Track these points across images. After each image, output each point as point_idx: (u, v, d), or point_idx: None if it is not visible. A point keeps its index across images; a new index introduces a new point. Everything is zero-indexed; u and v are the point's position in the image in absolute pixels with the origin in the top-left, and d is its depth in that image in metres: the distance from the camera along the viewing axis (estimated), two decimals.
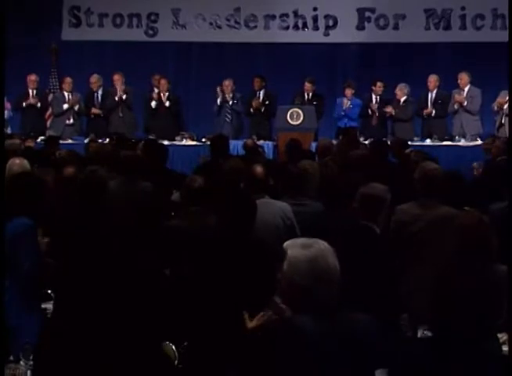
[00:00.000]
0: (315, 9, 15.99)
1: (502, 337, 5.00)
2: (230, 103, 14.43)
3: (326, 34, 16.03)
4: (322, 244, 3.20)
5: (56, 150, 11.13)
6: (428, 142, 13.74)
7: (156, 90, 14.81)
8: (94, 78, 14.86)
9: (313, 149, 13.41)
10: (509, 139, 11.59)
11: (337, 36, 15.96)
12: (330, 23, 15.98)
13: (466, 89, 14.02)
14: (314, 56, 15.97)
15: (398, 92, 14.27)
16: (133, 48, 16.00)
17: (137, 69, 15.59)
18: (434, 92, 14.14)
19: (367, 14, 15.88)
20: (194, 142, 14.09)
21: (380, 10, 15.83)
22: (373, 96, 14.43)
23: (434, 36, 15.72)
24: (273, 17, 16.07)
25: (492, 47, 14.84)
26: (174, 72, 15.76)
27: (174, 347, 4.64)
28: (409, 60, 15.53)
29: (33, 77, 14.72)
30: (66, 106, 14.60)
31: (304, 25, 16.04)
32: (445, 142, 13.71)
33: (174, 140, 14.09)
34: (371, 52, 15.83)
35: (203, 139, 14.01)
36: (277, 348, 3.04)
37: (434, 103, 14.11)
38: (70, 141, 13.84)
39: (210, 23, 16.15)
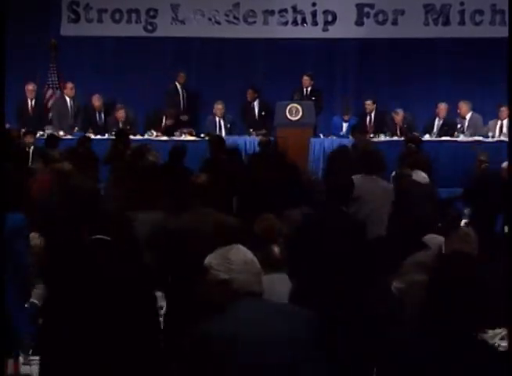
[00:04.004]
0: (313, 5, 15.97)
1: (502, 332, 5.02)
2: (223, 127, 14.49)
3: (325, 30, 16.01)
4: (238, 245, 3.37)
5: (56, 148, 11.21)
6: (427, 137, 13.73)
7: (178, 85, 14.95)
8: (98, 101, 14.77)
9: (312, 145, 13.54)
10: (509, 139, 11.60)
11: (336, 31, 15.93)
12: (329, 18, 15.96)
13: (468, 117, 14.01)
14: (313, 52, 15.95)
15: (396, 118, 14.22)
16: (132, 43, 15.98)
17: (136, 65, 15.61)
18: (442, 120, 14.11)
19: (366, 9, 15.86)
20: (193, 138, 14.10)
21: (379, 6, 15.82)
22: (367, 116, 14.45)
23: (433, 31, 15.70)
24: (272, 13, 16.05)
25: (491, 42, 14.83)
26: (173, 68, 15.72)
27: None
28: (408, 56, 15.52)
29: (30, 87, 14.74)
30: (69, 114, 14.54)
31: (303, 20, 16.02)
32: (444, 138, 13.71)
33: (174, 135, 14.12)
34: (370, 47, 15.81)
35: (202, 135, 14.04)
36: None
37: (441, 128, 14.05)
38: (69, 137, 13.82)
39: (210, 19, 16.13)
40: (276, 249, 6.54)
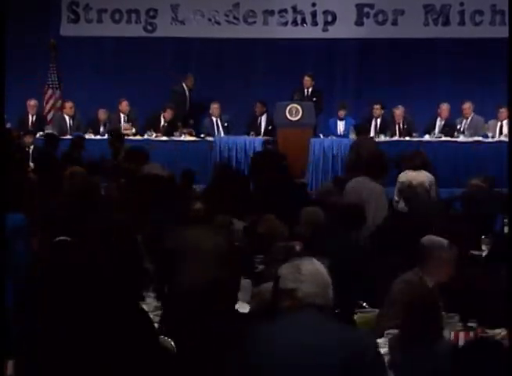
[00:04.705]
0: (313, 5, 15.96)
1: (501, 332, 5.03)
2: (221, 126, 14.48)
3: (325, 30, 16.00)
4: (313, 258, 3.39)
5: (56, 148, 11.22)
6: (427, 137, 13.72)
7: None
8: (104, 115, 14.70)
9: (312, 145, 13.52)
10: (509, 140, 11.60)
11: (335, 32, 15.93)
12: (329, 18, 15.96)
13: (469, 118, 13.97)
14: (313, 52, 15.96)
15: (396, 112, 14.16)
16: (132, 43, 15.98)
17: (136, 65, 15.61)
18: (444, 120, 14.06)
19: (366, 10, 15.85)
20: (193, 138, 14.12)
21: (379, 6, 15.81)
22: (373, 120, 14.33)
23: (433, 32, 15.70)
24: (272, 13, 16.04)
25: (491, 42, 14.83)
26: (172, 68, 15.74)
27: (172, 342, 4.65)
28: (408, 56, 15.52)
29: (32, 103, 14.73)
30: (68, 133, 14.45)
31: (303, 21, 16.02)
32: (444, 138, 13.69)
33: (173, 135, 14.12)
34: (370, 47, 15.81)
35: (202, 135, 14.06)
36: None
37: (442, 128, 14.00)
38: (68, 136, 13.82)
39: (209, 19, 16.12)
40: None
